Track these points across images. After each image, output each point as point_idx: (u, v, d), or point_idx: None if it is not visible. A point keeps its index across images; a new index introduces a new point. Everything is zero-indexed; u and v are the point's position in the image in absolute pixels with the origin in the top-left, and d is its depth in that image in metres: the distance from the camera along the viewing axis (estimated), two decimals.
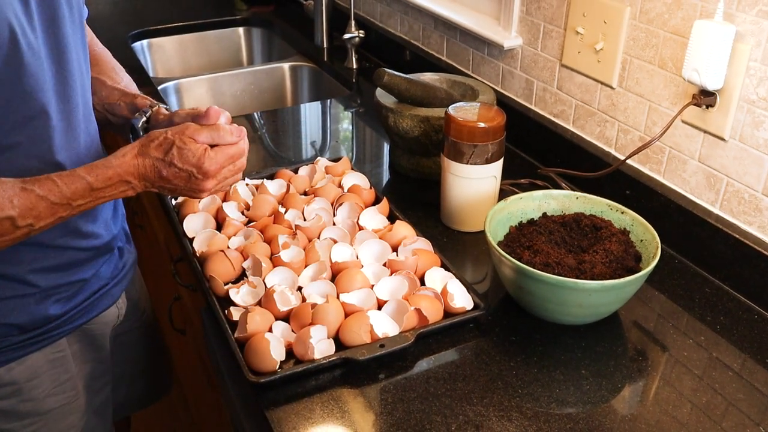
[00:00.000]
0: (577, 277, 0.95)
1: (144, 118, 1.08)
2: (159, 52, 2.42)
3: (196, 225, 1.19)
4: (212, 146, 0.95)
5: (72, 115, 0.98)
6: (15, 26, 0.84)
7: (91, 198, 0.92)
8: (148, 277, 1.50)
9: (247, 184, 1.28)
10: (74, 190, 0.89)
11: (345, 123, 1.74)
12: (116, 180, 0.92)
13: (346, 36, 1.97)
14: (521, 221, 1.10)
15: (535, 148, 1.47)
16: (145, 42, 2.39)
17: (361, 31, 1.98)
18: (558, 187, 1.34)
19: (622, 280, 0.92)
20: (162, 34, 2.42)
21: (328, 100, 1.88)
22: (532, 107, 1.49)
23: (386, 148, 1.55)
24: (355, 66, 1.99)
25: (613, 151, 1.31)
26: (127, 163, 0.92)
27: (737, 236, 1.08)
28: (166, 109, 1.10)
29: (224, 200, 1.23)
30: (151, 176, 0.93)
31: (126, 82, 1.18)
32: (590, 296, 0.93)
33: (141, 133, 1.07)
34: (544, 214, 1.11)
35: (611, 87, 1.28)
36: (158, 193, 1.00)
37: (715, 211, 1.13)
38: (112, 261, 1.14)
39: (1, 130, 0.88)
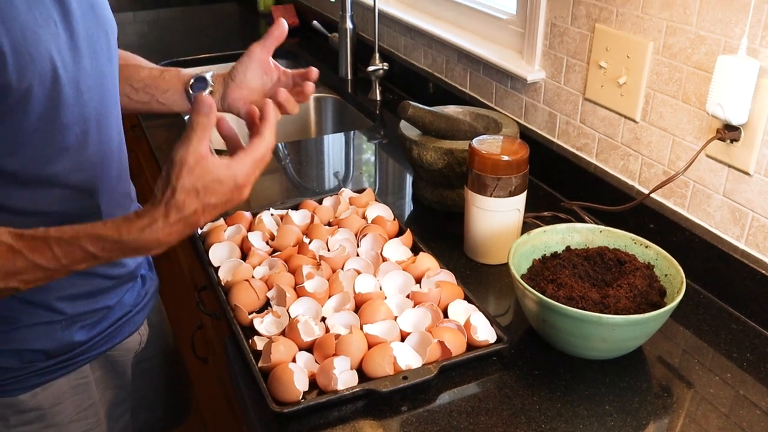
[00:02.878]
0: (601, 312, 0.95)
1: (209, 88, 1.11)
2: None
3: (221, 254, 1.20)
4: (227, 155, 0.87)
5: (106, 144, 1.00)
6: (57, 61, 0.86)
7: (96, 263, 0.83)
8: (170, 305, 1.51)
9: (272, 215, 1.29)
10: (74, 259, 0.82)
11: (368, 154, 1.75)
12: (133, 249, 0.81)
13: (371, 68, 1.99)
14: (545, 254, 1.10)
15: (558, 181, 1.47)
16: None
17: (385, 64, 2.00)
18: (581, 220, 1.34)
19: (646, 315, 0.91)
20: (189, 64, 2.46)
21: (352, 132, 1.89)
22: (556, 140, 1.49)
23: (409, 179, 1.56)
24: (379, 98, 2.01)
25: (636, 185, 1.31)
26: (154, 233, 0.79)
27: (763, 272, 1.07)
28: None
29: (249, 230, 1.25)
30: (186, 229, 0.81)
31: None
32: (614, 331, 0.93)
33: (209, 78, 1.11)
34: (568, 247, 1.11)
35: (634, 121, 1.28)
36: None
37: (741, 246, 1.13)
38: (135, 289, 1.16)
39: (40, 161, 0.90)
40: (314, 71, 1.08)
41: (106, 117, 0.99)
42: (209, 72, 1.14)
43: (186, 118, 1.67)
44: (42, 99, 0.86)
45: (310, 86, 1.06)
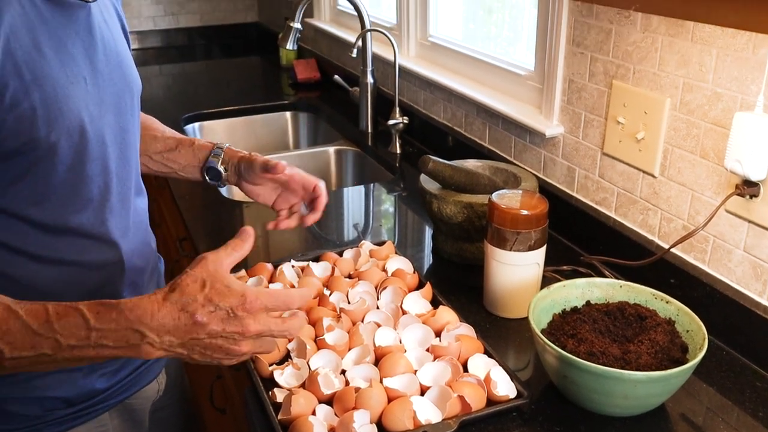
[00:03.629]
0: (622, 368, 0.94)
1: (221, 158, 1.19)
2: (210, 134, 2.51)
3: None
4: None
5: (127, 195, 1.03)
6: (84, 116, 0.90)
7: (91, 336, 0.77)
8: None
9: (293, 266, 1.30)
10: (66, 325, 0.77)
11: (388, 206, 1.76)
12: (123, 326, 0.77)
13: (391, 122, 2.02)
14: (564, 309, 1.10)
15: (577, 234, 1.48)
16: (197, 124, 2.48)
17: (405, 118, 2.03)
18: (601, 274, 1.34)
19: (668, 371, 0.91)
20: (213, 117, 2.52)
21: (372, 184, 1.91)
22: (574, 194, 1.50)
23: (428, 232, 1.57)
24: (398, 151, 2.04)
25: (656, 239, 1.31)
26: (143, 307, 0.77)
27: None
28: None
29: (270, 281, 1.26)
30: (183, 320, 0.77)
31: (170, 133, 1.27)
32: (636, 387, 0.92)
33: (223, 173, 1.20)
34: (588, 302, 1.11)
35: (653, 176, 1.29)
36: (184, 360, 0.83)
37: (763, 302, 1.12)
38: None
39: (65, 212, 0.93)
40: (322, 198, 1.20)
41: (127, 170, 1.03)
42: (221, 146, 1.22)
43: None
44: (69, 152, 0.89)
45: (312, 218, 1.18)
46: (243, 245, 0.84)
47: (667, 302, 1.06)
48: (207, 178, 1.23)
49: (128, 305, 0.77)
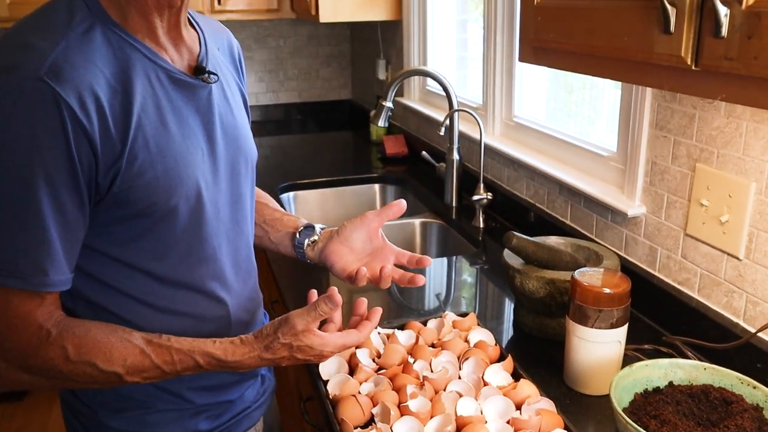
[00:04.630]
0: None
1: (314, 237, 1.20)
2: (303, 203, 2.58)
3: (330, 368, 1.23)
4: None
5: (238, 256, 1.10)
6: (201, 183, 0.98)
7: (200, 372, 0.99)
8: None
9: (379, 333, 1.31)
10: (185, 367, 0.97)
11: (470, 278, 1.76)
12: (232, 368, 1.00)
13: (475, 197, 2.04)
14: (647, 389, 1.07)
15: (659, 314, 1.44)
16: (291, 194, 2.56)
17: (489, 193, 2.04)
18: (683, 355, 1.29)
19: None
20: (306, 187, 2.59)
21: (455, 256, 1.92)
22: (656, 273, 1.47)
23: (510, 305, 1.56)
24: (482, 225, 2.04)
25: (741, 322, 1.26)
26: (250, 361, 0.99)
27: None
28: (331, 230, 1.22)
29: (357, 347, 1.27)
30: (271, 364, 1.02)
31: (279, 208, 1.33)
32: None
33: (305, 246, 1.21)
34: (671, 383, 1.07)
35: (738, 258, 1.25)
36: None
37: None
38: (256, 386, 1.22)
39: (182, 268, 1.00)
40: (428, 261, 1.15)
41: (239, 233, 1.09)
42: (321, 225, 1.23)
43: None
44: (186, 214, 0.97)
45: (422, 280, 1.12)
46: (328, 311, 0.98)
47: (754, 387, 1.02)
48: (298, 236, 1.22)
49: (231, 362, 0.98)
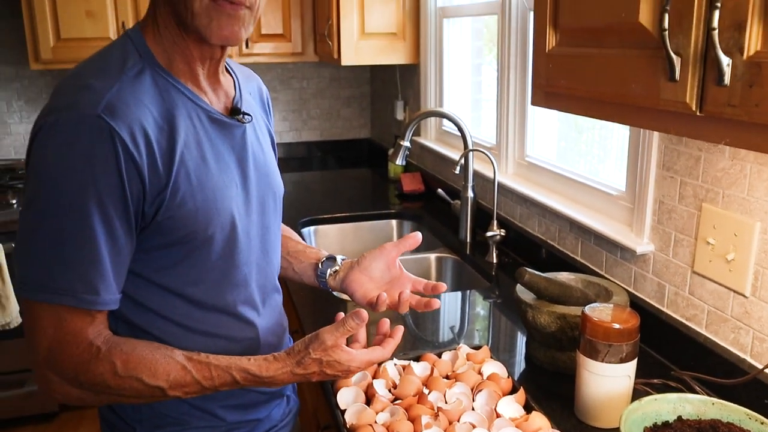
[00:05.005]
0: None
1: (335, 267, 1.24)
2: (323, 237, 2.60)
3: (347, 398, 1.23)
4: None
5: (266, 283, 1.13)
6: (235, 214, 1.02)
7: (236, 387, 1.02)
8: None
9: (395, 364, 1.31)
10: (223, 382, 1.00)
11: (483, 312, 1.76)
12: (266, 384, 1.03)
13: (489, 233, 2.04)
14: (656, 423, 1.06)
15: (668, 349, 1.43)
16: (312, 228, 2.58)
17: (502, 230, 2.05)
18: (692, 390, 1.28)
19: None
20: (326, 222, 2.61)
21: (469, 290, 1.92)
22: (665, 309, 1.46)
23: (521, 339, 1.56)
24: (495, 261, 2.05)
25: (748, 358, 1.25)
26: (283, 376, 1.02)
27: None
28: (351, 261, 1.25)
29: (374, 377, 1.27)
30: (302, 380, 1.04)
31: (301, 241, 1.36)
32: None
33: (327, 276, 1.24)
34: (679, 417, 1.06)
35: (744, 296, 1.25)
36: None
37: None
38: (282, 406, 1.24)
39: (216, 293, 1.03)
40: (442, 287, 1.17)
41: (267, 261, 1.13)
42: (342, 257, 1.26)
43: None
44: (221, 243, 1.01)
45: (437, 303, 1.15)
46: (355, 327, 1.01)
47: (762, 423, 1.01)
48: (320, 266, 1.26)
49: (266, 377, 1.01)
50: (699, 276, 1.35)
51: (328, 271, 1.25)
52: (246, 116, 1.07)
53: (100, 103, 0.88)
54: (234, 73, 1.14)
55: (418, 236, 1.20)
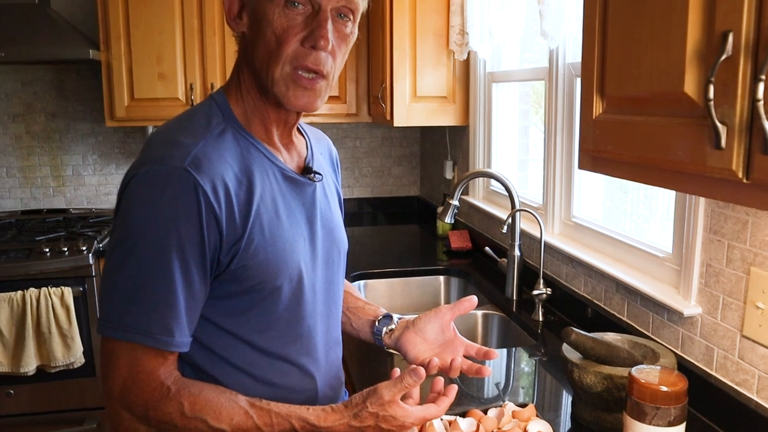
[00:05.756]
0: None
1: (392, 326, 1.24)
2: (372, 291, 2.61)
3: None
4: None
5: (327, 336, 1.14)
6: (302, 267, 1.05)
7: None
8: None
9: (441, 420, 1.30)
10: (282, 430, 0.99)
11: (529, 369, 1.73)
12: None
13: (535, 292, 2.02)
14: None
15: (717, 414, 1.37)
16: (362, 282, 2.59)
17: (548, 289, 2.03)
18: None
19: None
20: (376, 276, 2.62)
21: (515, 348, 1.89)
22: (713, 373, 1.41)
23: (567, 398, 1.52)
24: (541, 319, 2.02)
25: None
26: (340, 428, 1.00)
27: None
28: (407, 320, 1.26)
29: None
30: None
31: (362, 297, 1.37)
32: None
33: (383, 334, 1.24)
34: None
35: None
36: None
37: None
38: None
39: (280, 342, 1.05)
40: (494, 354, 1.19)
41: (330, 315, 1.15)
42: (398, 315, 1.27)
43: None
44: (288, 294, 1.03)
45: (488, 371, 1.16)
46: (413, 383, 1.01)
47: None
48: (377, 324, 1.27)
49: (323, 428, 1.00)
50: (749, 340, 1.31)
51: (384, 329, 1.26)
52: (317, 175, 1.11)
53: (187, 157, 0.94)
54: (306, 134, 1.19)
55: (474, 300, 1.21)
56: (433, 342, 1.22)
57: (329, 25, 0.97)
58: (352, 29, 1.03)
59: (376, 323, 1.27)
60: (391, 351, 1.26)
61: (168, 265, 0.92)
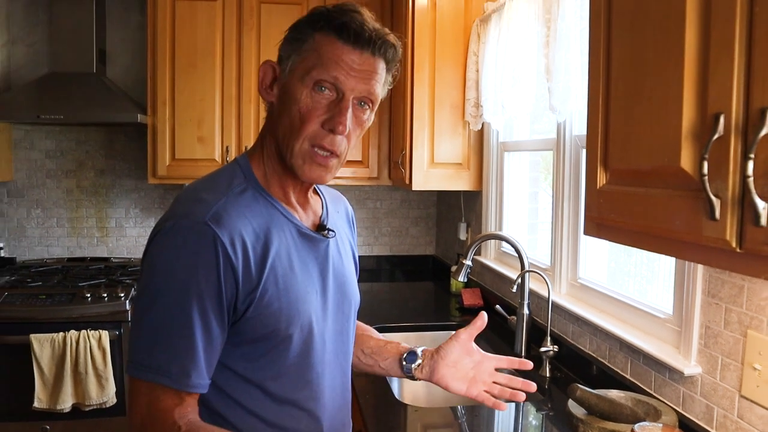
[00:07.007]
0: None
1: (419, 361, 1.24)
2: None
3: None
4: None
5: (336, 383, 1.14)
6: (313, 318, 1.06)
7: None
8: None
9: None
10: None
11: (536, 423, 1.71)
12: None
13: (542, 349, 2.01)
14: None
15: None
16: (380, 335, 2.57)
17: (555, 346, 2.01)
18: None
19: None
20: (392, 330, 2.60)
21: (522, 403, 1.86)
22: (713, 431, 1.39)
23: None
24: (548, 375, 2.00)
25: None
26: None
27: None
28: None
29: None
30: None
31: (383, 338, 1.36)
32: None
33: (413, 371, 1.24)
34: None
35: None
36: None
37: None
38: None
39: (290, 388, 1.06)
40: (529, 365, 1.21)
41: (338, 363, 1.15)
42: (420, 347, 1.26)
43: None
44: (299, 343, 1.04)
45: (522, 396, 1.19)
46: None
47: None
48: (404, 362, 1.26)
49: None
50: (747, 400, 1.29)
51: (413, 366, 1.26)
52: (330, 232, 1.13)
53: (209, 212, 0.97)
54: (322, 194, 1.22)
55: (485, 316, 1.23)
56: (465, 367, 1.23)
57: (349, 113, 1.02)
58: (369, 116, 1.08)
59: (404, 362, 1.27)
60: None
61: (187, 311, 0.94)
